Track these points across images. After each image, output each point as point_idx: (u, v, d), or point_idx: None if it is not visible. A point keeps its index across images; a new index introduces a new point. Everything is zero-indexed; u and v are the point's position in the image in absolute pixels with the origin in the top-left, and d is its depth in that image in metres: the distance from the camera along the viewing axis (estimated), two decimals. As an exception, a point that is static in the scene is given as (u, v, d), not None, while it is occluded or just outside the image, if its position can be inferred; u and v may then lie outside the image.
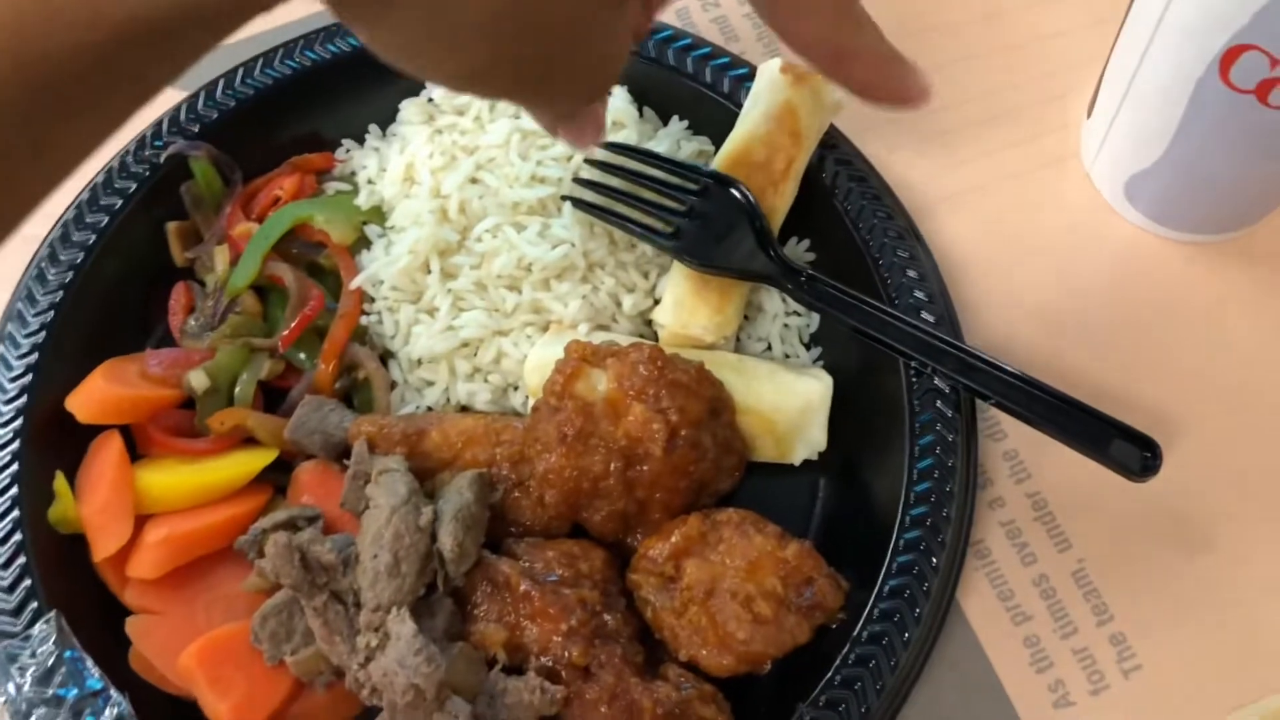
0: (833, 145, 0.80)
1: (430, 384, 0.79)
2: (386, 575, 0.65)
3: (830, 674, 0.66)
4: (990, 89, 0.90)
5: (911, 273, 0.76)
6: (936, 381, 0.72)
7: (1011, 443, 0.77)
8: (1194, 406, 0.77)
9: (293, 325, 0.77)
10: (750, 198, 0.75)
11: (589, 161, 0.79)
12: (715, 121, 0.82)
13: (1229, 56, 0.66)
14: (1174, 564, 0.73)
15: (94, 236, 0.78)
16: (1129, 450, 0.67)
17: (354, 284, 0.79)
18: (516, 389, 0.78)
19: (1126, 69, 0.75)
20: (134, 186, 0.80)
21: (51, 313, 0.76)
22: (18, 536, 0.70)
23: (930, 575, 0.68)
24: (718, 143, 0.81)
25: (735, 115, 0.80)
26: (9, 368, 0.74)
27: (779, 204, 0.77)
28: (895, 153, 0.85)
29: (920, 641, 0.67)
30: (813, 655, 0.67)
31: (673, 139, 0.82)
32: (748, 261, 0.75)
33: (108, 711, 0.65)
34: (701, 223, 0.76)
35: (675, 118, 0.84)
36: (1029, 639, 0.72)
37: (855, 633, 0.67)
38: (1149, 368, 0.78)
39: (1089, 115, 0.85)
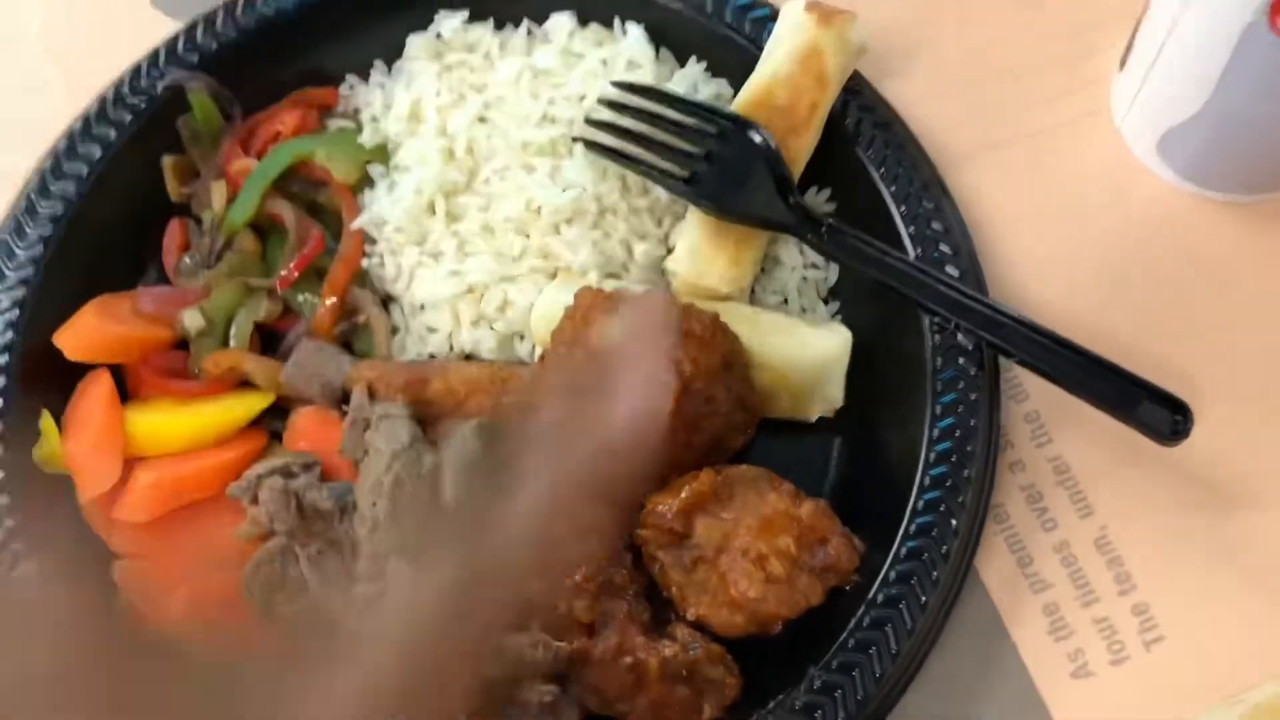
0: (856, 90, 0.77)
1: (433, 330, 0.76)
2: (386, 523, 0.63)
3: (844, 637, 0.64)
4: (1019, 41, 0.86)
5: (936, 225, 0.73)
6: (960, 338, 0.70)
7: (1033, 404, 0.75)
8: (1225, 372, 0.74)
9: (292, 265, 0.74)
10: (771, 142, 0.72)
11: (603, 102, 0.75)
12: (734, 64, 0.79)
13: (1280, 2, 0.63)
14: (1200, 533, 0.70)
15: (86, 169, 0.75)
16: (1158, 413, 0.65)
17: (356, 224, 0.76)
18: (523, 338, 0.76)
19: (1167, 16, 0.72)
20: (129, 118, 0.76)
21: (40, 247, 0.73)
22: (1, 474, 0.67)
23: (949, 538, 0.66)
24: (737, 86, 0.78)
25: (756, 58, 0.77)
26: (-4, 304, 0.71)
27: (800, 150, 0.74)
28: (920, 102, 0.81)
29: (937, 606, 0.65)
30: (825, 617, 0.65)
31: (690, 81, 0.79)
32: (767, 209, 0.72)
33: (93, 658, 0.62)
34: (719, 167, 0.73)
35: (693, 59, 0.80)
36: (1048, 607, 0.70)
37: (870, 595, 0.65)
38: (1179, 331, 0.75)
39: (1121, 68, 0.82)
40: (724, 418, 0.69)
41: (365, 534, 0.63)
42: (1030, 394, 0.75)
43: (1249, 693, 0.67)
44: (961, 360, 0.69)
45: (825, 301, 0.77)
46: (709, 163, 0.73)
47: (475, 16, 0.82)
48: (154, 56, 0.78)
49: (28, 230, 0.73)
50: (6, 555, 0.66)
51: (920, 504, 0.67)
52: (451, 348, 0.76)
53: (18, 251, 0.72)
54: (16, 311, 0.71)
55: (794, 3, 0.76)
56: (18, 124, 0.84)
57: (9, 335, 0.70)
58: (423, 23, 0.82)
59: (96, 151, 0.75)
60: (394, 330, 0.76)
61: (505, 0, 0.82)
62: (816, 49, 0.73)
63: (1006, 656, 0.68)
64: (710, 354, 0.67)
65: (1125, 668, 0.68)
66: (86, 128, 0.76)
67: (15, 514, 0.67)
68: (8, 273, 0.72)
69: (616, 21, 0.80)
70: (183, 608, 0.65)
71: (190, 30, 0.79)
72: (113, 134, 0.76)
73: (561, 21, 0.80)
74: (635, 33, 0.80)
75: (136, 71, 0.77)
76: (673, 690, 0.63)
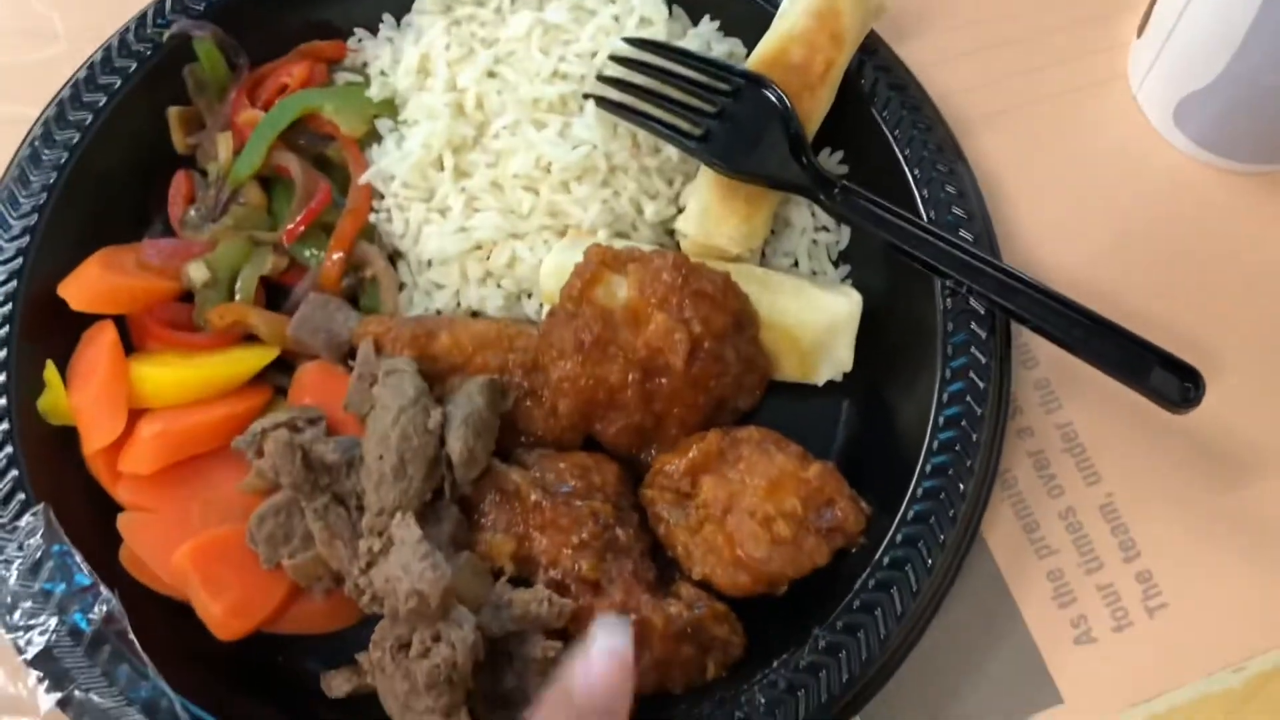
0: (872, 51, 0.76)
1: (440, 287, 0.75)
2: (392, 478, 0.62)
3: (849, 598, 0.64)
4: (1036, 6, 0.86)
5: (950, 188, 0.72)
6: (972, 302, 0.69)
7: (1043, 371, 0.74)
8: (1236, 341, 0.74)
9: (298, 219, 0.73)
10: (785, 101, 0.71)
11: (614, 59, 0.74)
12: (748, 22, 0.78)
13: (1305, -36, 0.62)
14: (1207, 502, 0.70)
15: (91, 117, 0.74)
16: (1169, 380, 0.64)
17: (364, 179, 0.75)
18: (530, 296, 0.75)
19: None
20: (134, 66, 0.76)
21: (44, 195, 0.72)
22: (5, 425, 0.67)
23: (956, 501, 0.65)
24: (750, 46, 0.77)
25: (769, 17, 0.76)
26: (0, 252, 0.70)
27: (815, 109, 0.73)
28: (936, 64, 0.81)
29: (943, 570, 0.65)
30: (831, 578, 0.65)
31: (703, 39, 0.78)
32: (779, 168, 0.71)
33: (96, 608, 0.62)
34: (732, 126, 0.72)
35: (706, 17, 0.79)
36: (1053, 573, 0.70)
37: (877, 557, 0.64)
38: (1191, 299, 0.75)
39: (1139, 35, 0.81)
40: (733, 378, 0.68)
41: (371, 488, 0.63)
42: (1040, 361, 0.75)
43: (1251, 660, 0.67)
44: (973, 325, 0.69)
45: (836, 265, 0.77)
46: (721, 121, 0.72)
47: (486, -31, 0.80)
48: (160, 4, 0.77)
49: (31, 178, 0.72)
50: (13, 505, 0.65)
51: (928, 467, 0.66)
52: (458, 304, 0.75)
53: (21, 200, 0.71)
54: (20, 260, 0.70)
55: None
56: (21, 70, 0.83)
57: (13, 284, 0.69)
58: (433, -26, 0.81)
59: (101, 99, 0.74)
60: (400, 286, 0.75)
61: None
62: (834, 7, 0.72)
63: (1010, 621, 0.68)
64: (721, 314, 0.67)
65: (1128, 634, 0.68)
66: (92, 76, 0.75)
67: (21, 465, 0.66)
68: (11, 221, 0.71)
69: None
70: (187, 560, 0.64)
71: (197, -21, 0.78)
72: (117, 82, 0.75)
73: (575, -25, 0.79)
74: (648, -12, 0.79)
75: (143, 19, 0.77)
76: (678, 648, 0.62)
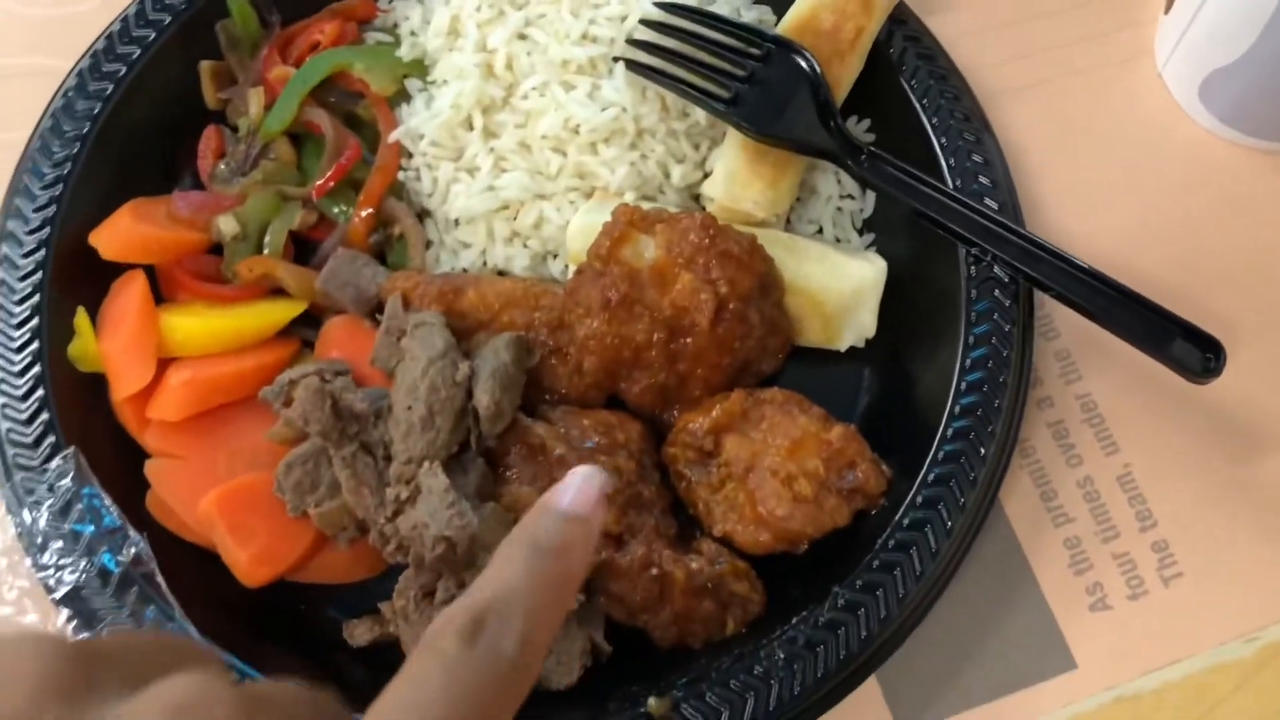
0: (900, 20, 0.76)
1: (467, 246, 0.76)
2: (420, 427, 0.63)
3: (869, 557, 0.64)
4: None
5: (976, 157, 0.73)
6: (996, 270, 0.69)
7: (1064, 342, 0.75)
8: (1258, 316, 0.74)
9: (328, 175, 0.74)
10: (815, 66, 0.71)
11: (644, 22, 0.75)
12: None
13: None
14: (1224, 474, 0.71)
15: (124, 69, 0.74)
16: (1190, 350, 0.65)
17: (393, 137, 0.76)
18: (556, 256, 0.76)
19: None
20: (168, 19, 0.76)
21: (78, 145, 0.72)
22: (37, 369, 0.68)
23: (977, 465, 0.66)
24: (779, 13, 0.77)
25: (799, -14, 0.76)
26: (32, 198, 0.71)
27: (844, 76, 0.73)
28: (963, 37, 0.81)
29: (962, 532, 0.65)
30: (851, 539, 0.65)
31: (732, 5, 0.78)
32: (808, 133, 0.71)
33: (125, 550, 0.63)
34: (761, 90, 0.72)
35: (736, -19, 0.79)
36: (1069, 540, 0.70)
37: (896, 518, 0.65)
38: (1212, 274, 0.75)
39: (1167, 11, 0.81)
40: (757, 341, 0.69)
41: (399, 437, 0.63)
42: (1061, 332, 0.75)
43: (1265, 631, 0.68)
44: (996, 292, 0.69)
45: (860, 233, 0.77)
46: (750, 85, 0.73)
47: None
48: (194, -41, 0.78)
49: (65, 127, 0.73)
50: (44, 448, 0.66)
51: (949, 431, 0.67)
52: (485, 263, 0.76)
53: (55, 149, 0.72)
54: (53, 208, 0.71)
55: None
56: (52, 23, 0.84)
57: (45, 230, 0.70)
58: (463, -64, 0.81)
59: (135, 52, 0.75)
60: (427, 244, 0.76)
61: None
62: (865, -27, 0.72)
63: (1026, 587, 0.69)
64: (747, 275, 0.67)
65: (1143, 602, 0.69)
66: (126, 28, 0.75)
67: (52, 409, 0.67)
68: (45, 169, 0.71)
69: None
70: (214, 506, 0.65)
71: (231, -65, 0.78)
72: (151, 35, 0.75)
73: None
74: (678, -46, 0.79)
75: (177, -28, 0.77)
76: (698, 603, 0.63)
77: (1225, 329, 0.71)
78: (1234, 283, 0.75)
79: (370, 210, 0.74)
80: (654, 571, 0.63)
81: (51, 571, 0.62)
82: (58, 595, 0.61)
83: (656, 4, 0.75)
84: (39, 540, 0.62)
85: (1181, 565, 0.69)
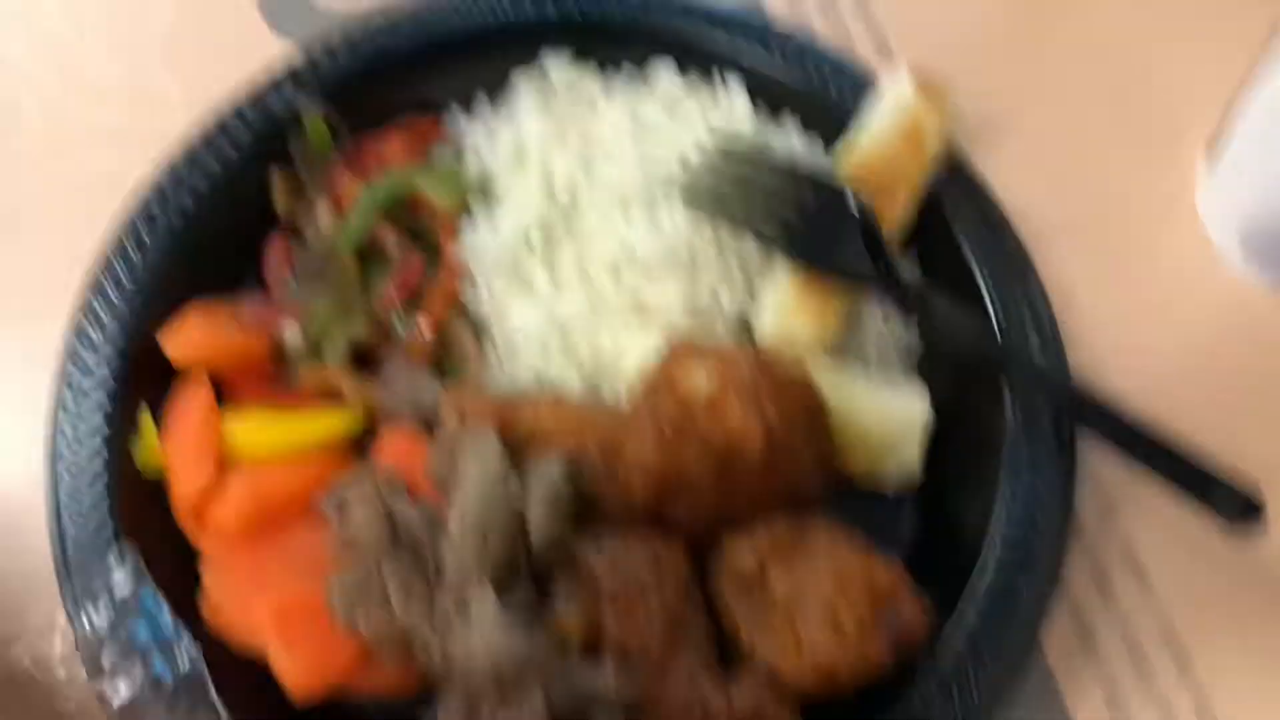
0: (954, 164, 0.79)
1: (523, 364, 0.78)
2: (473, 547, 0.64)
3: (907, 698, 0.65)
4: (1107, 121, 0.88)
5: (1021, 296, 0.75)
6: (1041, 412, 0.71)
7: (1106, 483, 0.76)
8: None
9: (392, 289, 0.76)
10: (868, 209, 0.74)
11: (702, 153, 0.77)
12: (824, 119, 0.81)
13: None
14: (1268, 628, 0.71)
15: (206, 182, 0.78)
16: (1232, 501, 0.66)
17: (455, 254, 0.78)
18: (610, 379, 0.77)
19: (1261, 108, 0.74)
20: (246, 135, 0.79)
21: (157, 255, 0.75)
22: (100, 461, 0.70)
23: (1018, 606, 0.67)
24: (826, 140, 0.81)
25: (847, 114, 0.80)
26: (109, 303, 0.74)
27: (894, 212, 0.76)
28: (1007, 173, 0.83)
29: (1002, 675, 0.66)
30: (892, 672, 0.66)
31: (788, 142, 0.81)
32: (857, 267, 0.74)
33: (180, 658, 0.64)
34: (813, 225, 0.75)
35: (787, 112, 0.82)
36: (1107, 685, 0.71)
37: (936, 656, 0.66)
38: (1253, 428, 0.76)
39: (1208, 156, 0.84)
40: (804, 472, 0.70)
41: (451, 554, 0.65)
42: (1103, 474, 0.76)
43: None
44: (1040, 433, 0.71)
45: (906, 366, 0.79)
46: (803, 218, 0.75)
47: (579, 55, 0.84)
48: (277, 80, 0.81)
49: (145, 238, 0.76)
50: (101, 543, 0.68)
51: (990, 573, 0.68)
52: (539, 382, 0.77)
53: (134, 259, 0.75)
54: (129, 315, 0.73)
55: (899, 77, 0.78)
56: (126, 131, 0.87)
57: (121, 340, 0.73)
58: (527, 57, 0.84)
59: (216, 166, 0.78)
60: (484, 360, 0.78)
61: (608, 43, 0.85)
62: (918, 123, 0.75)
63: (1062, 727, 0.69)
64: (797, 408, 0.69)
65: (1181, 751, 0.69)
66: (207, 140, 0.79)
67: (114, 508, 0.69)
68: (124, 279, 0.74)
69: (715, 71, 0.83)
70: (267, 615, 0.66)
71: (311, 58, 0.82)
72: (230, 149, 0.79)
73: (664, 69, 0.83)
74: (735, 86, 0.83)
75: (259, 92, 0.80)
76: (740, 734, 0.64)
77: (1266, 481, 0.72)
78: (1274, 439, 0.76)
79: (430, 325, 0.76)
80: (696, 702, 0.63)
81: (106, 678, 0.63)
82: (115, 705, 0.62)
83: (714, 137, 0.78)
84: (95, 649, 0.64)
85: (1219, 716, 0.70)
